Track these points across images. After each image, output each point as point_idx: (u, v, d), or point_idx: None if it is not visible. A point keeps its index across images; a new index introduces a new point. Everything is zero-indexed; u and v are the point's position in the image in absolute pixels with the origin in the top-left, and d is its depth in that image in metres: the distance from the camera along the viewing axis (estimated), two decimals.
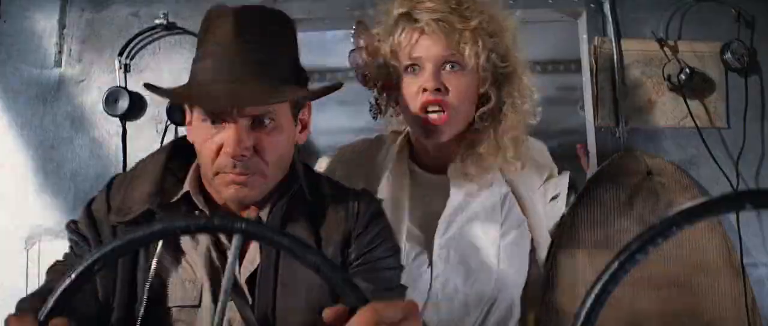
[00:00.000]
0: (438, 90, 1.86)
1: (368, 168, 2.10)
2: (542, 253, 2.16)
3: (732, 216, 2.44)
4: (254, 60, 1.51)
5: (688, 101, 2.55)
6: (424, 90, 1.87)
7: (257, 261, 1.57)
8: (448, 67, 1.88)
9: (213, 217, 1.09)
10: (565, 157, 3.10)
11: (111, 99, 2.65)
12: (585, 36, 2.66)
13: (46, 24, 2.78)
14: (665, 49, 2.58)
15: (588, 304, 0.87)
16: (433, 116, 1.88)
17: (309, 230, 1.60)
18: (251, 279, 1.57)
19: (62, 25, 2.78)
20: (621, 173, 2.43)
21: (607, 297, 0.87)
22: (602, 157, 2.55)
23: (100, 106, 2.67)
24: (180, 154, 1.69)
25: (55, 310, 0.96)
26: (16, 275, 2.64)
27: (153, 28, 2.72)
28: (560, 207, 2.21)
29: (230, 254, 0.98)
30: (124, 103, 2.63)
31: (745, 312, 2.32)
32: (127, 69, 2.71)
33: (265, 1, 2.68)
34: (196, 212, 1.59)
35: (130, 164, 2.58)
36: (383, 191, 2.02)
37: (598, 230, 2.34)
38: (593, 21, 2.65)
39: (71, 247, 1.62)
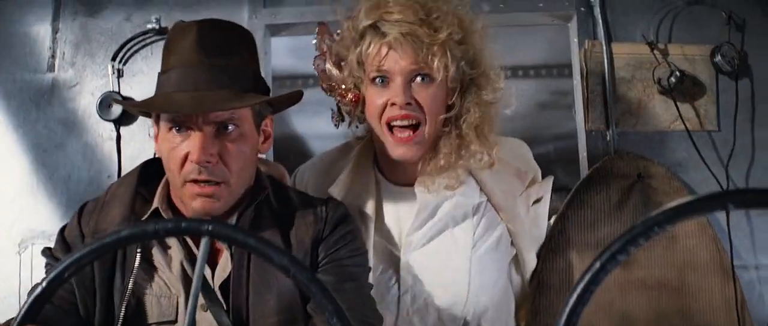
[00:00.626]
0: (408, 104, 1.84)
1: (334, 175, 2.06)
2: (528, 257, 2.12)
3: (722, 219, 2.44)
4: (215, 70, 1.59)
5: (679, 104, 2.56)
6: (393, 103, 1.84)
7: (229, 268, 1.61)
8: (417, 79, 1.85)
9: (181, 220, 1.09)
10: (559, 161, 3.11)
11: (104, 103, 2.66)
12: (575, 40, 2.66)
13: (39, 28, 2.80)
14: (655, 52, 2.59)
15: (570, 304, 0.88)
16: (402, 135, 1.86)
17: (278, 235, 1.64)
18: (224, 286, 1.60)
19: (55, 30, 2.79)
20: (611, 176, 2.44)
21: (589, 297, 0.87)
22: (593, 160, 2.55)
23: (93, 111, 2.68)
24: (149, 176, 1.73)
25: (28, 317, 0.97)
26: (8, 278, 2.64)
27: (145, 32, 2.73)
28: (544, 211, 2.19)
29: (199, 256, 0.98)
30: (117, 108, 2.64)
31: (736, 314, 2.32)
32: (120, 74, 2.72)
33: (254, 6, 2.71)
34: None
35: (124, 168, 2.61)
36: (345, 198, 1.98)
37: (589, 233, 2.34)
38: (584, 25, 2.66)
39: (46, 272, 1.64)
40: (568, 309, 0.87)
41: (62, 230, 1.71)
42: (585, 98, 2.60)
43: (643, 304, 2.32)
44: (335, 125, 2.07)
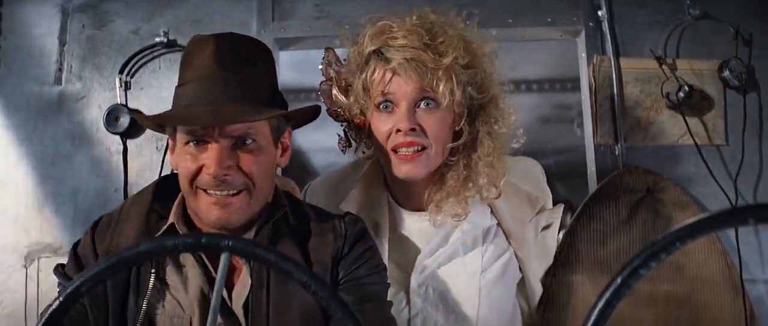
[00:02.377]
0: (413, 129, 1.82)
1: (344, 192, 2.06)
2: (534, 283, 2.11)
3: (731, 234, 2.45)
4: (233, 84, 1.58)
5: (687, 119, 2.57)
6: (398, 130, 1.83)
7: (249, 286, 1.58)
8: (422, 104, 1.83)
9: (200, 235, 1.09)
10: (561, 175, 3.11)
11: (112, 116, 2.65)
12: (584, 54, 2.67)
13: (46, 41, 2.79)
14: (664, 67, 2.59)
15: (592, 320, 0.87)
16: (406, 153, 1.84)
17: (297, 252, 1.63)
18: (244, 305, 1.58)
19: (63, 43, 2.79)
20: (620, 191, 2.43)
21: (610, 312, 0.87)
22: (601, 175, 2.55)
23: (101, 123, 2.68)
24: (164, 193, 1.72)
25: None
26: (15, 292, 2.63)
27: (153, 45, 2.73)
28: (552, 237, 2.18)
29: (219, 271, 0.98)
30: (124, 121, 2.64)
31: None
32: (127, 86, 2.72)
33: (263, 20, 2.71)
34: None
35: (131, 181, 2.60)
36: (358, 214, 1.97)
37: (598, 247, 2.34)
38: (592, 39, 2.66)
39: (59, 291, 1.61)
40: (589, 324, 0.87)
41: (75, 247, 1.68)
42: (593, 113, 2.61)
43: (652, 319, 2.32)
44: (342, 150, 2.05)
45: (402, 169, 1.87)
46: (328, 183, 2.17)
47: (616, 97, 2.60)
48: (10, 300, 2.62)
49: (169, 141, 1.68)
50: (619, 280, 0.87)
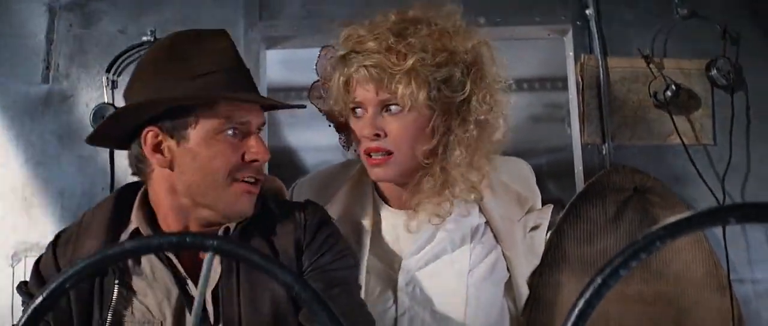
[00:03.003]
0: (377, 135, 1.83)
1: (332, 192, 2.06)
2: (521, 283, 2.10)
3: (719, 233, 2.44)
4: (249, 74, 1.68)
5: (674, 118, 2.56)
6: (364, 135, 1.86)
7: (216, 278, 1.59)
8: (386, 109, 1.84)
9: (185, 235, 1.08)
10: (552, 174, 3.11)
11: (99, 115, 2.65)
12: (571, 53, 2.67)
13: (34, 40, 2.79)
14: (651, 66, 2.59)
15: (572, 319, 0.87)
16: (375, 157, 1.86)
17: (266, 247, 1.64)
18: (213, 296, 1.59)
19: (50, 41, 2.78)
20: (607, 190, 2.43)
21: (590, 312, 0.87)
22: (589, 174, 2.55)
23: (88, 122, 2.68)
24: (124, 204, 1.71)
25: None
26: (1, 290, 2.62)
27: (140, 44, 2.72)
28: (540, 238, 2.17)
29: (202, 272, 0.97)
30: None
31: None
32: (114, 85, 2.71)
33: (250, 19, 2.70)
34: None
35: (118, 180, 2.60)
36: (341, 213, 1.99)
37: (585, 247, 2.33)
38: (579, 38, 2.66)
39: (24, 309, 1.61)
40: (570, 324, 0.87)
41: (37, 264, 1.67)
42: (581, 112, 2.60)
43: (639, 318, 2.31)
44: (345, 147, 2.07)
45: (373, 173, 1.89)
46: (316, 182, 2.16)
47: (603, 96, 2.60)
48: None
49: (150, 138, 1.61)
50: (599, 280, 0.87)
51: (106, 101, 2.68)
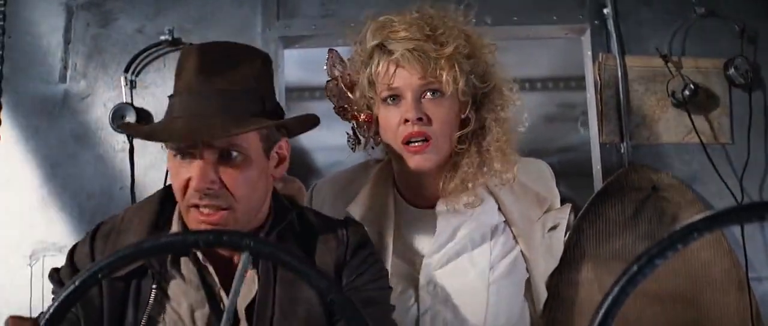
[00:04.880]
0: (420, 119, 1.83)
1: (352, 194, 2.07)
2: (540, 283, 2.12)
3: (737, 231, 2.44)
4: (216, 94, 1.53)
5: (693, 117, 2.56)
6: (406, 120, 1.84)
7: (254, 291, 1.57)
8: (427, 94, 1.85)
9: (222, 232, 1.08)
10: (565, 174, 3.11)
11: (117, 115, 2.65)
12: (589, 52, 2.66)
13: (51, 39, 2.78)
14: (669, 65, 2.59)
15: (605, 306, 0.88)
16: (415, 145, 1.85)
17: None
18: (248, 308, 1.57)
19: (67, 41, 2.77)
20: (626, 189, 2.44)
21: (624, 300, 0.88)
22: (607, 173, 2.55)
23: (105, 122, 2.68)
24: (169, 204, 1.68)
25: (55, 316, 0.96)
26: (20, 291, 2.63)
27: (158, 43, 2.72)
28: (559, 239, 2.17)
29: (237, 271, 0.97)
30: (130, 119, 2.64)
31: None
32: (132, 85, 2.71)
33: (268, 18, 2.70)
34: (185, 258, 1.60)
35: (137, 180, 2.61)
36: (364, 218, 1.98)
37: (604, 246, 2.34)
38: (597, 38, 2.66)
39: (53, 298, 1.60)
40: (603, 311, 0.88)
41: (72, 252, 1.65)
42: (599, 111, 2.60)
43: (657, 317, 2.32)
44: (352, 148, 2.06)
45: (413, 161, 1.88)
46: (336, 184, 2.17)
47: (621, 95, 2.60)
48: (15, 298, 2.61)
49: (168, 151, 1.63)
50: (634, 268, 0.88)
51: (124, 101, 2.68)
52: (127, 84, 2.70)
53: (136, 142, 2.68)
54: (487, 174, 1.94)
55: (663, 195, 2.44)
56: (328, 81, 2.05)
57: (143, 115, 2.68)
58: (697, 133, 2.55)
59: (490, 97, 1.93)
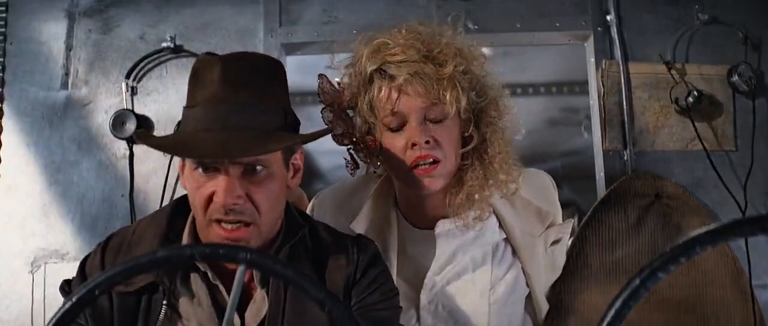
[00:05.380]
0: (427, 142, 1.79)
1: (354, 208, 2.04)
2: (541, 299, 2.10)
3: (741, 239, 2.43)
4: (242, 108, 1.49)
5: (696, 124, 2.56)
6: (414, 144, 1.80)
7: (264, 310, 1.54)
8: (432, 116, 1.81)
9: (218, 246, 1.06)
10: (568, 178, 3.11)
11: (118, 121, 2.65)
12: (592, 59, 2.66)
13: (53, 46, 2.79)
14: (673, 71, 2.58)
15: (607, 319, 0.87)
16: (424, 168, 1.80)
17: (313, 275, 1.58)
18: None
19: (69, 47, 2.78)
20: (629, 196, 2.43)
21: (627, 313, 0.87)
22: (610, 180, 2.55)
23: (107, 129, 2.68)
24: (179, 218, 1.65)
25: None
26: (21, 298, 2.63)
27: (160, 50, 2.72)
28: (561, 254, 2.15)
29: (234, 283, 0.96)
30: (131, 126, 2.63)
31: None
32: (134, 91, 2.72)
33: (270, 25, 2.70)
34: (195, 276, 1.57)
35: (138, 187, 2.60)
36: (366, 230, 1.96)
37: (606, 253, 2.33)
38: (600, 44, 2.65)
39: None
40: (605, 324, 0.87)
41: (83, 264, 1.62)
42: (602, 118, 2.60)
43: (661, 324, 2.31)
44: (351, 173, 2.02)
45: (424, 184, 1.84)
46: (337, 198, 2.14)
47: (624, 102, 2.59)
48: (17, 305, 2.62)
49: (180, 162, 1.59)
50: (637, 281, 0.87)
51: (125, 107, 2.68)
52: (128, 90, 2.70)
53: (137, 148, 2.68)
54: (492, 187, 1.91)
55: (666, 203, 2.44)
56: (322, 109, 1.98)
57: (144, 121, 2.68)
58: (700, 140, 2.54)
59: (486, 110, 1.90)
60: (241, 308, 1.55)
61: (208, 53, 1.62)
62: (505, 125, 1.92)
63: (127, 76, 2.71)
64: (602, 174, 2.59)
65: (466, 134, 1.88)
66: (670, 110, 2.60)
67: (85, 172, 2.71)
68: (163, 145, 1.67)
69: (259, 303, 1.55)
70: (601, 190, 2.56)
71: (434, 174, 1.82)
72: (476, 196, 1.90)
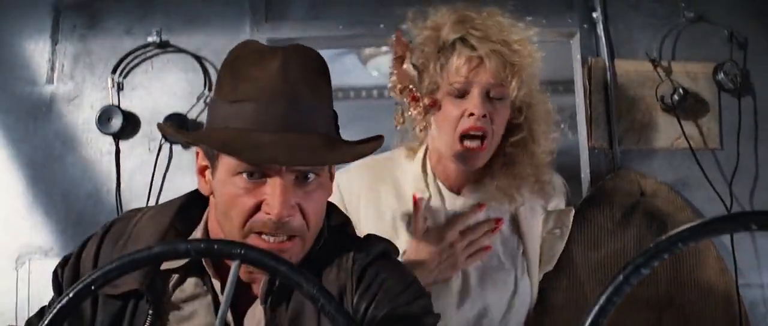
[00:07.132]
0: (484, 116, 1.90)
1: (391, 184, 2.13)
2: (534, 280, 2.15)
3: (726, 238, 2.44)
4: (303, 109, 1.33)
5: (682, 122, 2.56)
6: (471, 114, 1.91)
7: (262, 320, 1.40)
8: (492, 94, 1.92)
9: (213, 242, 1.05)
10: None
11: (104, 117, 2.64)
12: (578, 56, 2.66)
13: (38, 40, 2.77)
14: (658, 69, 2.59)
15: (592, 315, 0.88)
16: (472, 144, 1.93)
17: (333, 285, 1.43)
18: None
19: (55, 42, 2.76)
20: (614, 194, 2.43)
21: (611, 310, 0.88)
22: (595, 178, 2.55)
23: (92, 124, 2.66)
24: (186, 216, 1.51)
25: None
26: (6, 294, 2.62)
27: (146, 45, 2.71)
28: (561, 241, 2.20)
29: (229, 278, 0.96)
30: (117, 121, 2.62)
31: None
32: (120, 87, 2.70)
33: (256, 20, 2.69)
34: (199, 282, 1.44)
35: (123, 183, 2.59)
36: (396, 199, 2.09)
37: (592, 252, 2.34)
38: (586, 41, 2.66)
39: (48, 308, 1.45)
40: (589, 321, 0.87)
41: (80, 254, 1.48)
42: (588, 116, 2.60)
43: (646, 323, 2.31)
44: (396, 126, 2.11)
45: (467, 155, 1.96)
46: (375, 170, 2.17)
47: (610, 100, 2.59)
48: (1, 301, 2.61)
49: (200, 159, 1.44)
50: (620, 278, 0.88)
51: (111, 103, 2.67)
52: (114, 86, 2.68)
53: (123, 144, 2.67)
54: (534, 178, 2.07)
55: (651, 201, 2.44)
56: (394, 57, 2.08)
57: (129, 117, 2.66)
58: (686, 138, 2.54)
59: (536, 107, 2.04)
60: (241, 313, 1.43)
61: (254, 41, 1.46)
62: (551, 129, 2.09)
63: (113, 71, 2.70)
64: (588, 172, 2.58)
65: (516, 121, 2.01)
66: (656, 108, 2.60)
67: (70, 168, 2.70)
68: (210, 142, 1.37)
69: (258, 316, 1.41)
70: (587, 189, 2.56)
71: (481, 153, 1.96)
72: (522, 181, 2.06)
